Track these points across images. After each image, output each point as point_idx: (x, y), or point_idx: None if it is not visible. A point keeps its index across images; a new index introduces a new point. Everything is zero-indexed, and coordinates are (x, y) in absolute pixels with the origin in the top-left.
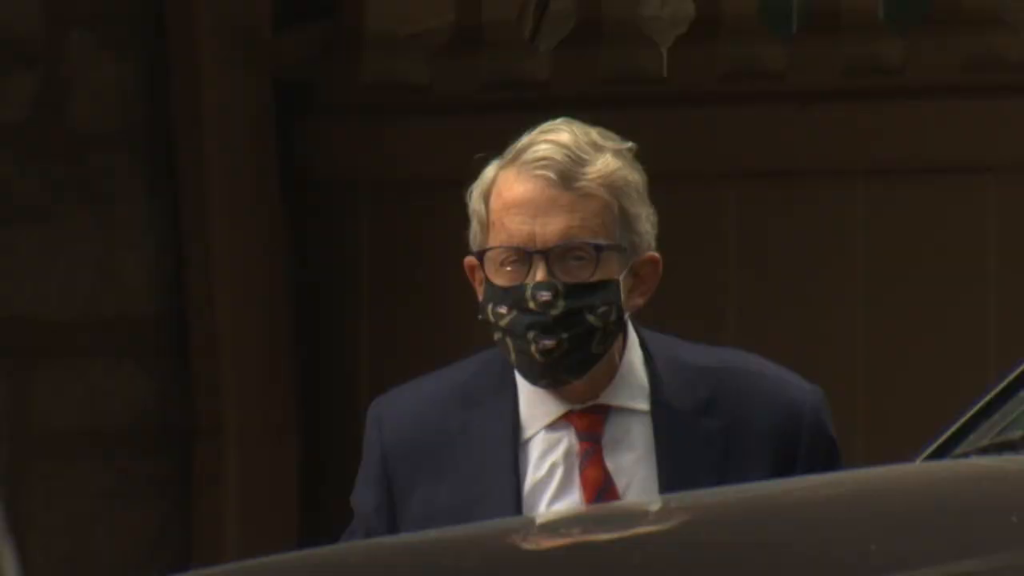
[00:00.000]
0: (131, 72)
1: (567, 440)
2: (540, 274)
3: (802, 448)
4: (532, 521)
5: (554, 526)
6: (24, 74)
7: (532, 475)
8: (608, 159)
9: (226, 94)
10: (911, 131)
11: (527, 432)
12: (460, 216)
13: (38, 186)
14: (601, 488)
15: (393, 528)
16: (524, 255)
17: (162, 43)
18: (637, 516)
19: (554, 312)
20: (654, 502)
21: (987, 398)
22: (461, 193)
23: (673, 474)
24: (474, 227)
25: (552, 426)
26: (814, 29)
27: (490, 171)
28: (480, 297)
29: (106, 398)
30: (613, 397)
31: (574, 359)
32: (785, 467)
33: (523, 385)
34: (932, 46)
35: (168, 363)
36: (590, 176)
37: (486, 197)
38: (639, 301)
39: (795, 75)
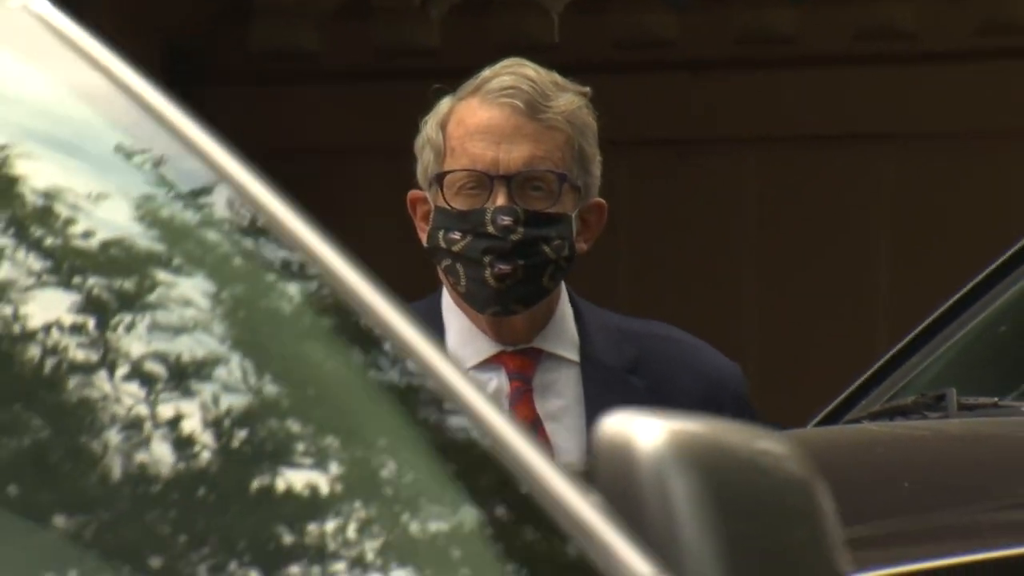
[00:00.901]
0: None
1: (496, 380)
2: (501, 199)
3: (726, 415)
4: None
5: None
6: None
7: None
8: (571, 97)
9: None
10: (802, 100)
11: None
12: (354, 182)
13: None
14: (529, 427)
15: None
16: (486, 179)
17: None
18: None
19: (513, 237)
20: None
21: (877, 365)
22: (351, 160)
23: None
24: (426, 156)
25: (482, 365)
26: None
27: (446, 102)
28: (427, 227)
29: None
30: (545, 343)
31: (526, 289)
32: None
33: (452, 324)
34: (823, 16)
35: None
36: (555, 110)
37: (443, 125)
38: (583, 246)
39: (688, 42)
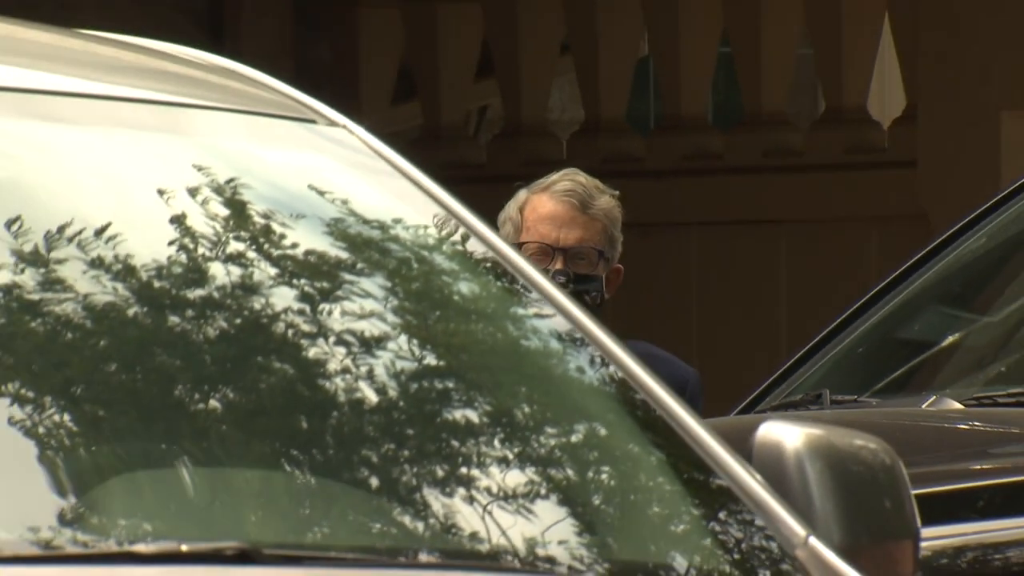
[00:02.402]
0: None
1: None
2: (559, 264)
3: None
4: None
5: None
6: None
7: None
8: (607, 199)
9: None
10: (729, 196)
11: None
12: None
13: None
14: None
15: None
16: (550, 250)
17: None
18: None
19: (566, 291)
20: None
21: (777, 373)
22: None
23: None
24: (507, 228)
25: None
26: (664, 127)
27: (523, 193)
28: None
29: None
30: None
31: None
32: None
33: None
34: (743, 139)
35: None
36: (597, 207)
37: (521, 209)
38: (607, 295)
39: (652, 159)
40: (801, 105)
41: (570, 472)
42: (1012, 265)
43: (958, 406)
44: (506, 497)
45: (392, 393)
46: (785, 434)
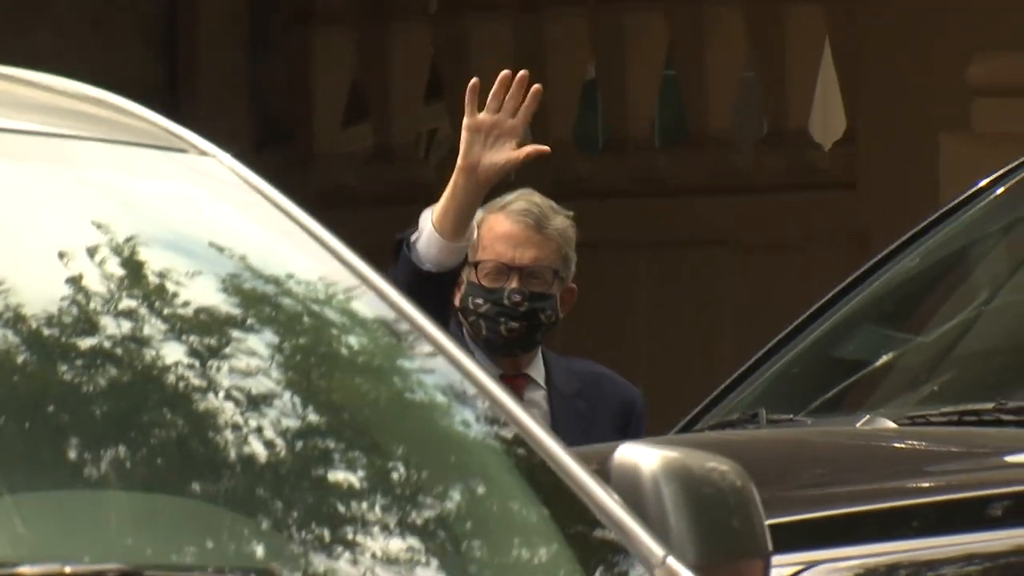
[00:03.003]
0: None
1: None
2: (514, 283)
3: (632, 426)
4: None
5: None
6: None
7: None
8: (562, 219)
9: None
10: (674, 216)
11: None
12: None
13: None
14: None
15: None
16: (506, 269)
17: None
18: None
19: (521, 309)
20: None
21: (717, 391)
22: (384, 262)
23: (560, 434)
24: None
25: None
26: (610, 146)
27: (479, 212)
28: (460, 292)
29: None
30: (531, 371)
31: (526, 340)
32: (621, 436)
33: (476, 353)
34: (687, 159)
35: None
36: (553, 227)
37: (478, 226)
38: (560, 314)
39: (596, 179)
40: (746, 127)
41: (436, 510)
42: (945, 285)
43: (892, 425)
44: (360, 531)
45: (228, 387)
46: (642, 456)
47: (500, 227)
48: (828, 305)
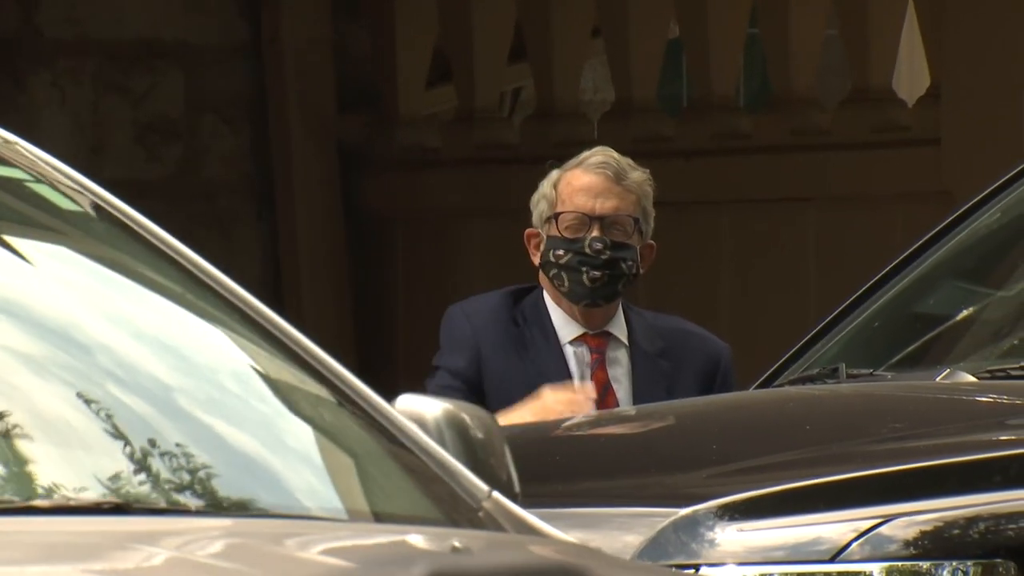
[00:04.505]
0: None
1: (583, 351)
2: (596, 232)
3: (718, 381)
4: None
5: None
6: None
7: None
8: (639, 174)
9: (306, 156)
10: (758, 175)
11: (561, 342)
12: (472, 243)
13: (184, 218)
14: (604, 386)
15: (479, 379)
16: (586, 219)
17: (265, 121)
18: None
19: (603, 257)
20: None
21: (797, 346)
22: (467, 223)
23: (641, 391)
24: (542, 206)
25: (574, 341)
26: (694, 108)
27: (555, 172)
28: (538, 252)
29: None
30: (613, 329)
31: (608, 290)
32: (707, 391)
33: (555, 313)
34: (771, 120)
35: None
36: (631, 180)
37: (555, 185)
38: (642, 270)
39: (681, 139)
40: (830, 85)
41: (313, 441)
42: None
43: (972, 379)
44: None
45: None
46: (425, 407)
47: (579, 180)
48: (909, 260)
